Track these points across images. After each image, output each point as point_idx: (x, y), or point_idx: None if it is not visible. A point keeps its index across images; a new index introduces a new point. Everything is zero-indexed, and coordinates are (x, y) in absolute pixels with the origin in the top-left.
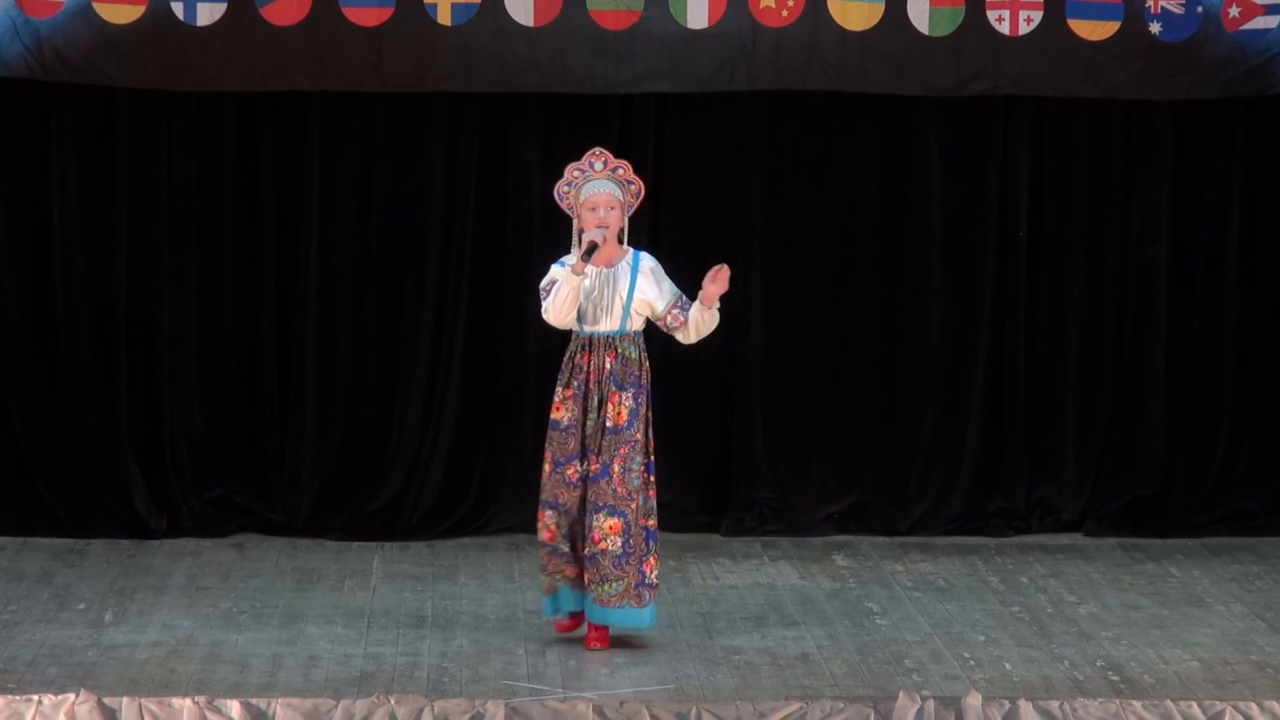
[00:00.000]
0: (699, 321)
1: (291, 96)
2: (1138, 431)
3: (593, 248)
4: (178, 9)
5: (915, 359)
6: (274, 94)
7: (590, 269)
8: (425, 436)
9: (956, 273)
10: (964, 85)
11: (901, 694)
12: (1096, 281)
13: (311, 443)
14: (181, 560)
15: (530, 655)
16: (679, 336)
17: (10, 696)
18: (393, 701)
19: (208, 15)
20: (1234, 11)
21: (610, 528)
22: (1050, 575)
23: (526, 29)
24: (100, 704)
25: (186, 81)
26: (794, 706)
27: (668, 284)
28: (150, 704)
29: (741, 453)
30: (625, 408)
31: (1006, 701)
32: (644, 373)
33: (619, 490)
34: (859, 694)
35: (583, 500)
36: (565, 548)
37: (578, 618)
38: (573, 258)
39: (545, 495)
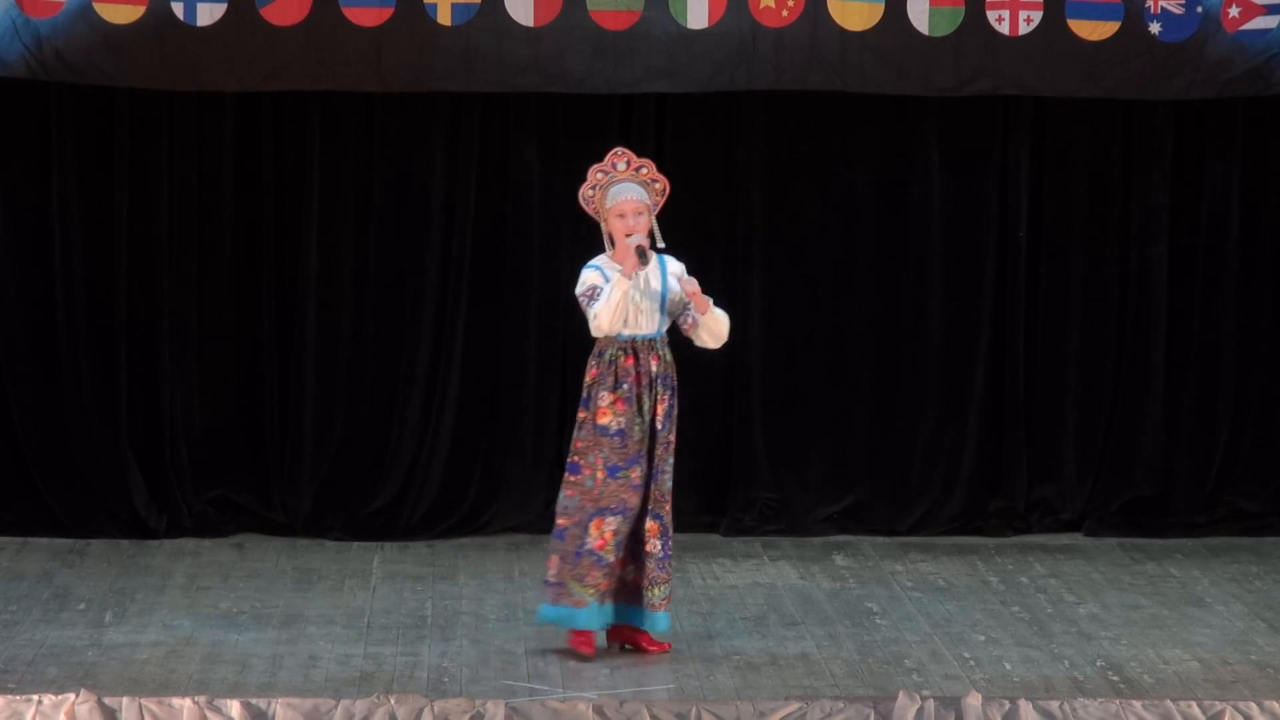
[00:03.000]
0: (706, 324)
1: (291, 96)
2: (1138, 431)
3: (643, 250)
4: (178, 9)
5: (915, 359)
6: (274, 94)
7: (641, 268)
8: (425, 436)
9: (956, 273)
10: (964, 85)
11: (901, 694)
12: (1096, 281)
13: (311, 443)
14: (181, 560)
15: (530, 655)
16: (694, 338)
17: (10, 696)
18: (393, 701)
19: (208, 15)
20: (1234, 12)
21: (650, 530)
22: (1050, 575)
23: (526, 29)
24: (100, 704)
25: (186, 81)
26: (794, 706)
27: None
28: (150, 704)
29: (741, 453)
30: (666, 410)
31: (1006, 701)
32: (674, 375)
33: (659, 494)
34: (859, 694)
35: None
36: (610, 558)
37: (592, 634)
38: (607, 263)
39: (606, 503)
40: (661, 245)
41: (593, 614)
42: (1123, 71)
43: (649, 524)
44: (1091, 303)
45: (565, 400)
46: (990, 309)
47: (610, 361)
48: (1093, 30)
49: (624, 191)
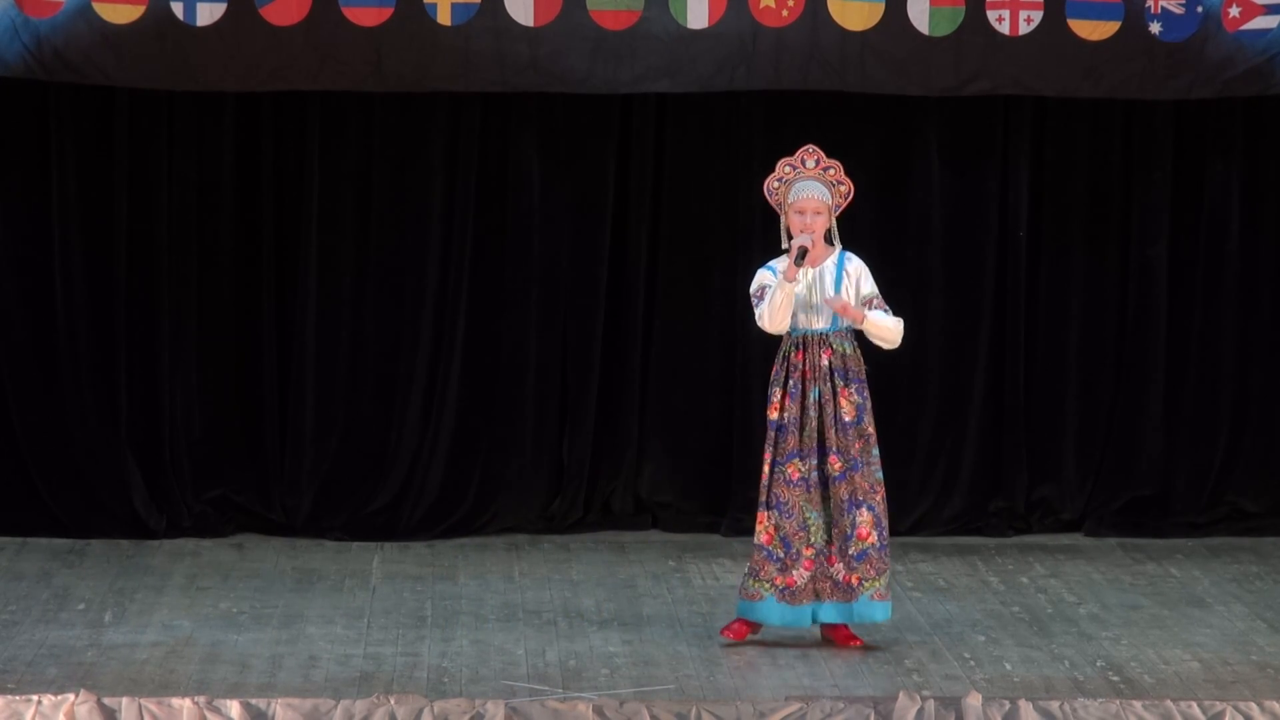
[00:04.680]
0: (867, 331)
1: (291, 96)
2: (1138, 431)
3: (803, 252)
4: (178, 9)
5: (915, 359)
6: (274, 94)
7: (801, 272)
8: (425, 436)
9: (956, 273)
10: (964, 85)
11: (901, 694)
12: (1096, 281)
13: (311, 443)
14: (181, 560)
15: (530, 655)
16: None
17: (10, 696)
18: (393, 701)
19: (208, 15)
20: (1234, 11)
21: (869, 521)
22: (1050, 575)
23: (526, 29)
24: (100, 704)
25: (186, 81)
26: (794, 706)
27: (868, 285)
28: (150, 704)
29: (741, 453)
30: (852, 402)
31: (1006, 701)
32: (860, 367)
33: (867, 484)
34: (859, 694)
35: (825, 498)
36: (780, 553)
37: (750, 628)
38: (782, 263)
39: (765, 496)
40: (837, 246)
41: (769, 609)
42: (1123, 71)
43: (863, 514)
44: (1091, 303)
45: (565, 400)
46: (990, 309)
47: (784, 356)
48: (1093, 30)
49: (807, 189)
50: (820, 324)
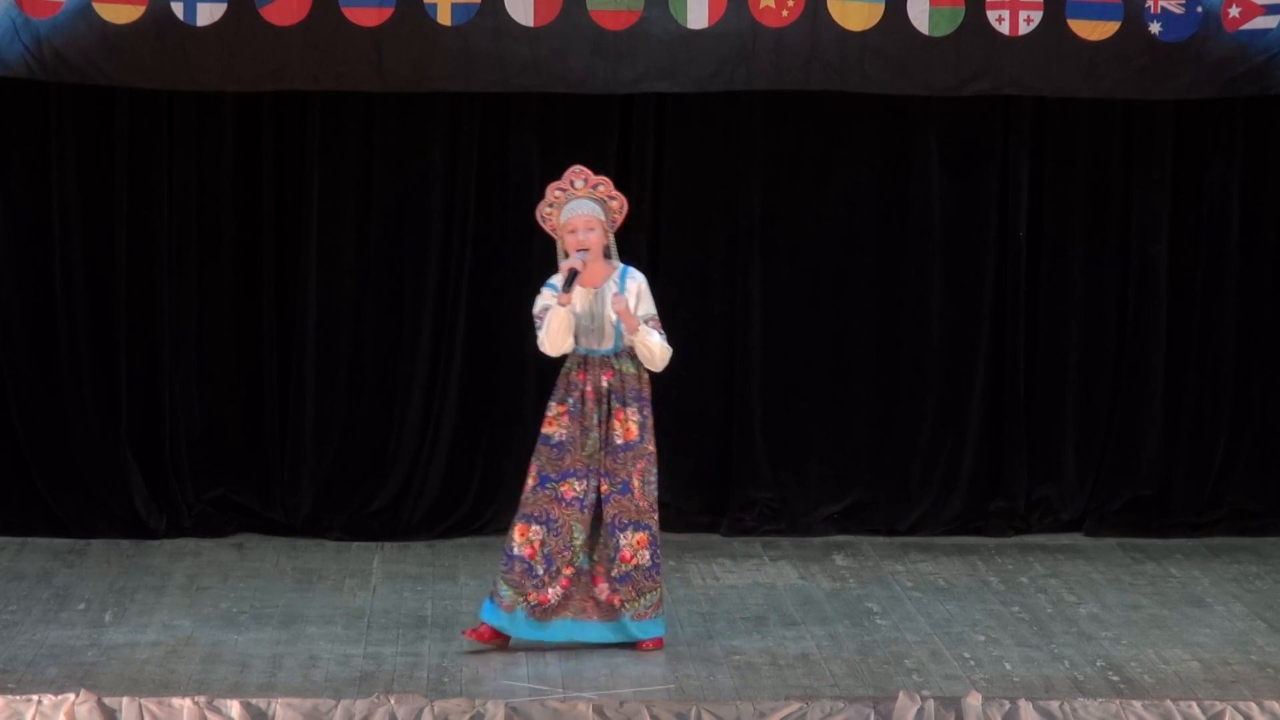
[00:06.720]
0: (635, 346)
1: (291, 96)
2: (1138, 431)
3: (573, 276)
4: (178, 9)
5: (915, 359)
6: (274, 94)
7: (578, 292)
8: (425, 436)
9: (956, 273)
10: (964, 85)
11: (901, 694)
12: (1096, 281)
13: (311, 443)
14: (181, 560)
15: (530, 655)
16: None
17: (10, 696)
18: (393, 701)
19: (208, 15)
20: (1234, 11)
21: (638, 542)
22: (1050, 575)
23: (526, 29)
24: (100, 704)
25: (186, 81)
26: (794, 706)
27: (646, 305)
28: (150, 704)
29: (741, 453)
30: (633, 423)
31: (1006, 701)
32: (644, 385)
33: (641, 504)
34: (859, 694)
35: (595, 519)
36: (540, 570)
37: (495, 633)
38: (559, 278)
39: (530, 509)
40: (615, 262)
41: (518, 624)
42: (1123, 71)
43: (634, 536)
44: (1092, 303)
45: None
46: (990, 309)
47: (565, 374)
48: (1093, 30)
49: (578, 208)
50: (603, 345)
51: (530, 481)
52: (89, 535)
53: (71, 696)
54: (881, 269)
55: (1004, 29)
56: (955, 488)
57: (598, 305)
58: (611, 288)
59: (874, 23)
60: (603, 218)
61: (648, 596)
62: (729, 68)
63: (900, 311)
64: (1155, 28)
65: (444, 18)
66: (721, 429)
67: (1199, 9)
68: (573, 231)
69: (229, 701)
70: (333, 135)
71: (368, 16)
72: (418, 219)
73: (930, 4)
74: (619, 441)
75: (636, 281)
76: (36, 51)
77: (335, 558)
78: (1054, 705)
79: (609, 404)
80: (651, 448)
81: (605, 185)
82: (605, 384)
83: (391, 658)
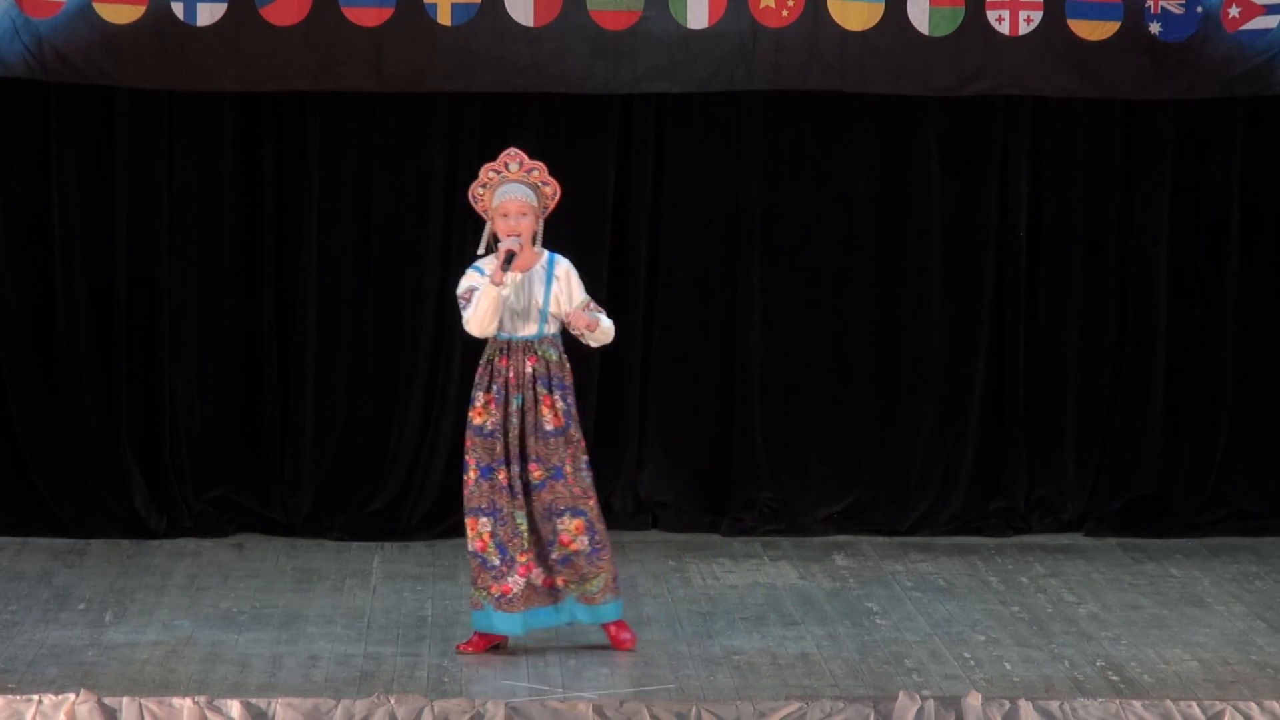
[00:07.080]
0: (598, 339)
1: (291, 96)
2: (1138, 431)
3: (510, 257)
4: (178, 9)
5: (915, 359)
6: (274, 94)
7: (509, 277)
8: (425, 436)
9: (956, 272)
10: (964, 85)
11: (901, 694)
12: (1097, 281)
13: (311, 443)
14: (181, 560)
15: (530, 655)
16: (583, 340)
17: (10, 696)
18: (393, 701)
19: (208, 15)
20: (1234, 11)
21: (576, 528)
22: (1050, 575)
23: (526, 29)
24: (100, 704)
25: (186, 81)
26: (794, 706)
27: (579, 289)
28: (150, 704)
29: (741, 453)
30: (559, 409)
31: (1006, 701)
32: (566, 373)
33: (575, 490)
34: (859, 694)
35: (531, 507)
36: (495, 560)
37: (487, 639)
38: (490, 264)
39: (476, 503)
40: (540, 249)
41: (490, 619)
42: (1123, 71)
43: (571, 522)
44: (1092, 303)
45: None
46: (990, 309)
47: (487, 361)
48: (1093, 30)
49: (511, 191)
50: (527, 330)
51: (471, 475)
52: (89, 535)
53: (72, 696)
54: (881, 269)
55: (1004, 29)
56: (955, 488)
57: (524, 290)
58: (540, 274)
59: (874, 23)
60: (535, 203)
61: (594, 581)
62: (729, 68)
63: (900, 311)
64: (1155, 28)
65: (444, 18)
66: (721, 429)
67: (1199, 9)
68: (505, 215)
69: (229, 701)
70: (333, 135)
71: (368, 16)
72: (418, 219)
73: (930, 4)
74: (548, 428)
75: (564, 267)
76: (37, 51)
77: (335, 558)
78: (1054, 705)
79: (535, 389)
80: (578, 434)
81: (539, 170)
82: (530, 369)
83: (391, 658)
